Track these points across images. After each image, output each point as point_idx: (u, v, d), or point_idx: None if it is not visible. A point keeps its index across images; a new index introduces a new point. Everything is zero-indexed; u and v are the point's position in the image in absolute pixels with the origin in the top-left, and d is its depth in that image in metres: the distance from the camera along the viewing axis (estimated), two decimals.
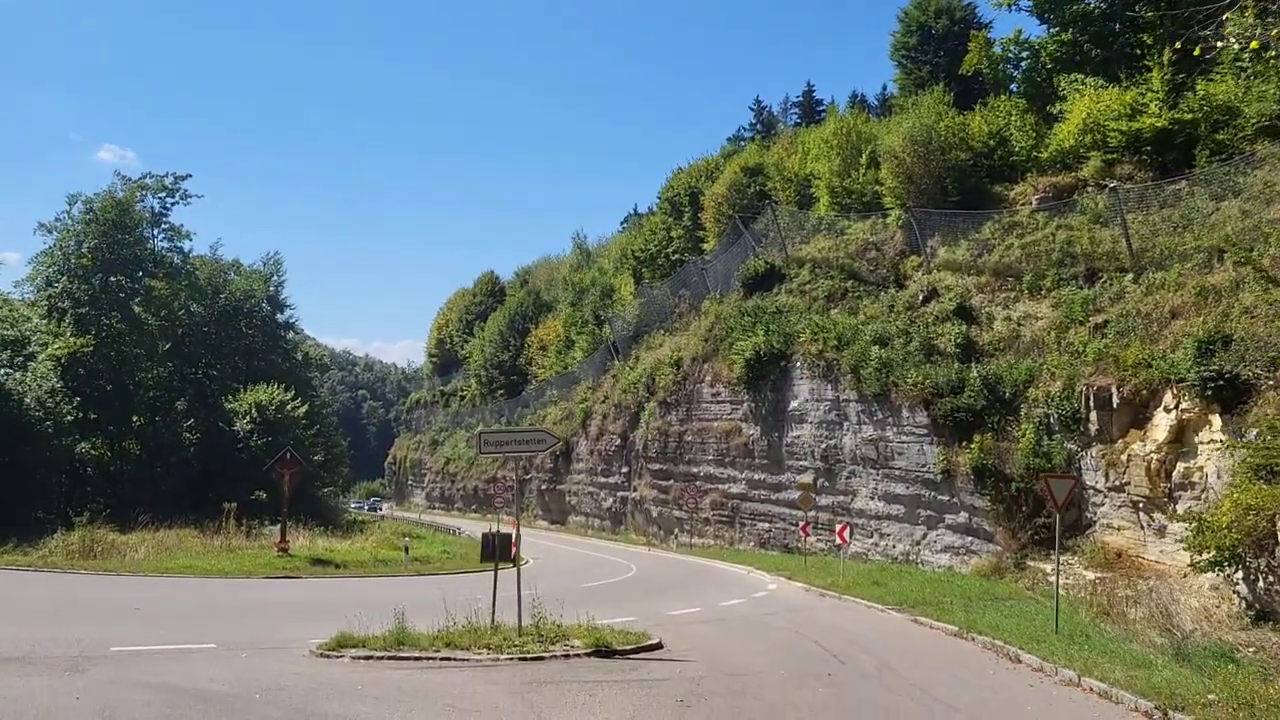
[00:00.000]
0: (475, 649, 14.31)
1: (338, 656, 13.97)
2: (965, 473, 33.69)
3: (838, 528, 32.31)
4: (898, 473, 37.42)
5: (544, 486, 73.92)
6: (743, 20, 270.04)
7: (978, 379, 33.99)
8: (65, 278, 50.35)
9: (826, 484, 40.77)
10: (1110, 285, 31.69)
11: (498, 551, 16.27)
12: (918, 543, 36.80)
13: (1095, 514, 27.81)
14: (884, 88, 69.62)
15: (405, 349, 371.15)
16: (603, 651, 14.60)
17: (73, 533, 32.82)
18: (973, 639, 18.56)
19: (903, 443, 37.20)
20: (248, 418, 51.69)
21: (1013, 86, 45.83)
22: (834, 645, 17.60)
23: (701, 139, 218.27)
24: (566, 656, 14.20)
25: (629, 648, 15.01)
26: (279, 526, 33.46)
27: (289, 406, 53.51)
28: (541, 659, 14.00)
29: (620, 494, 62.47)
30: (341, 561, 31.95)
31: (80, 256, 50.67)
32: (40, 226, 51.33)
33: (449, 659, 13.81)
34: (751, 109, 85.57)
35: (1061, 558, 22.88)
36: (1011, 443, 32.29)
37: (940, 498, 35.28)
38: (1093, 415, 27.97)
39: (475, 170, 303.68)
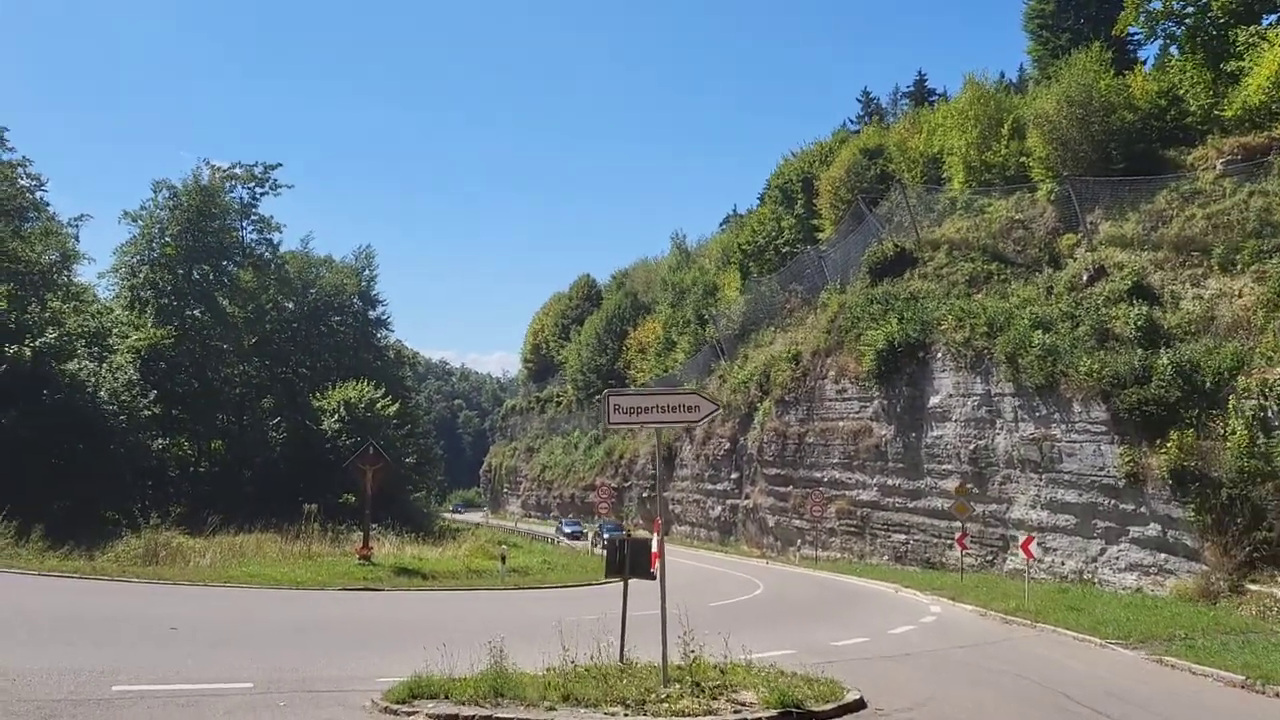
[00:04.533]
0: (606, 706, 9.83)
1: (409, 713, 9.67)
2: (1159, 477, 28.38)
3: (1020, 540, 27.06)
4: (1067, 477, 32.07)
5: (645, 494, 69.59)
6: (846, 9, 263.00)
7: (1169, 366, 28.73)
8: (148, 267, 48.04)
9: (976, 490, 35.54)
10: None
11: (629, 563, 11.86)
12: (1093, 559, 31.38)
13: None
14: (1020, 67, 63.88)
15: (500, 360, 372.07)
16: (793, 714, 9.96)
17: (138, 537, 29.70)
18: (1273, 694, 13.48)
19: (1073, 442, 31.85)
20: (336, 416, 48.68)
21: (1173, 48, 40.07)
22: (1088, 698, 12.77)
23: (804, 136, 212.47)
24: None
25: (827, 709, 10.35)
26: (363, 532, 29.80)
27: (379, 405, 50.34)
28: None
29: (730, 502, 57.73)
30: (430, 572, 28.06)
31: (165, 245, 48.34)
32: (125, 215, 49.19)
33: None
34: (859, 100, 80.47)
35: None
36: (1218, 441, 26.94)
37: (1123, 506, 29.89)
38: None
39: (568, 175, 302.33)
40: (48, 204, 43.08)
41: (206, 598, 20.30)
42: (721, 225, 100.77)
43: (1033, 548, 26.08)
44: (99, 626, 15.26)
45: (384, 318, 65.33)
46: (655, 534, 12.38)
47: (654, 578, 11.82)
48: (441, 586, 26.43)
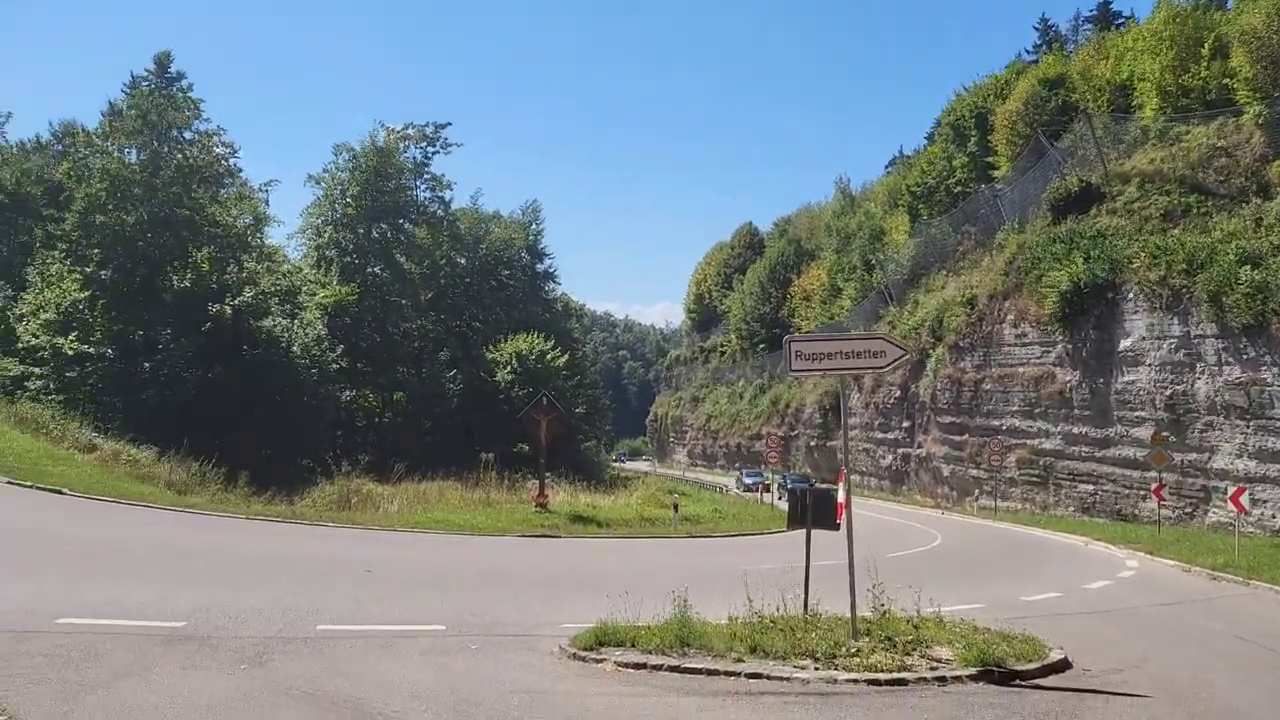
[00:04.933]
0: (795, 659, 9.67)
1: (597, 660, 9.77)
2: None
3: (1231, 493, 25.31)
4: (1279, 424, 29.79)
5: (813, 443, 68.85)
6: None
7: None
8: (331, 227, 50.47)
9: (1173, 439, 33.39)
10: None
11: (811, 513, 11.61)
12: None
13: None
14: None
15: (663, 311, 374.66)
16: (994, 673, 9.55)
17: (331, 484, 31.43)
18: None
19: None
20: (508, 368, 50.04)
21: None
22: None
23: (975, 71, 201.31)
24: (941, 680, 9.26)
25: (1030, 668, 9.86)
26: (538, 480, 30.55)
27: (549, 356, 51.41)
28: (902, 682, 9.16)
29: (901, 451, 56.42)
30: (604, 520, 28.53)
31: (346, 206, 50.56)
32: (309, 178, 51.75)
33: (758, 675, 9.23)
34: (1036, 28, 75.85)
35: None
36: None
37: None
38: None
39: (729, 122, 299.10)
40: (240, 170, 45.70)
41: (396, 542, 21.23)
42: (887, 168, 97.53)
43: (1244, 499, 24.33)
44: (301, 568, 16.14)
45: (551, 271, 66.63)
46: (841, 484, 12.06)
47: (837, 528, 11.54)
48: (615, 534, 26.83)
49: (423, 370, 52.27)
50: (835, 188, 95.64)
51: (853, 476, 60.95)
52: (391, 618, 12.00)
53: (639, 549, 24.15)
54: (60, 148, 58.37)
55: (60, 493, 23.47)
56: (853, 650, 9.91)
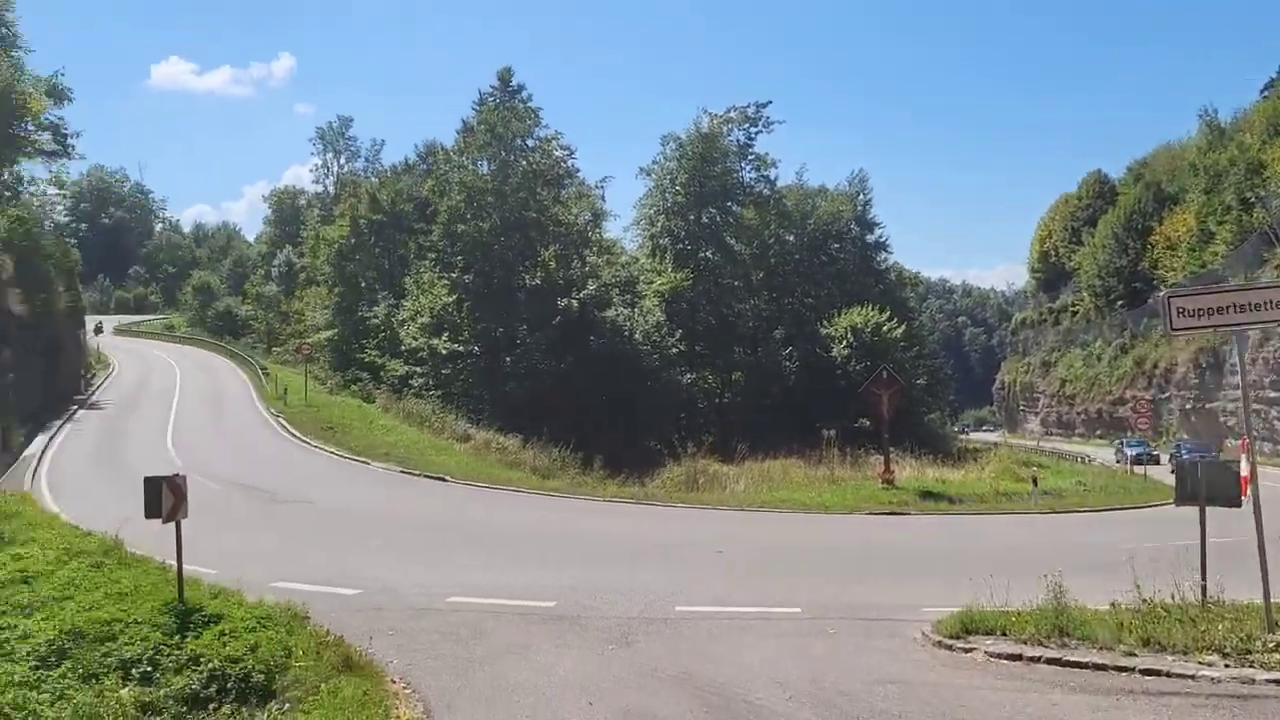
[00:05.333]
0: (1199, 654, 8.55)
1: (965, 649, 9.21)
2: None
3: None
4: None
5: (1187, 406, 62.19)
6: None
7: None
8: (663, 216, 52.14)
9: None
10: None
11: (1205, 487, 10.30)
12: None
13: None
14: None
15: (1003, 274, 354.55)
16: None
17: (679, 465, 32.48)
18: None
19: None
20: (844, 342, 49.33)
21: None
22: None
23: None
24: None
25: None
26: (882, 456, 29.80)
27: (885, 328, 50.06)
28: None
29: None
30: (955, 495, 27.27)
31: (675, 194, 52.02)
32: (640, 171, 53.79)
33: (1154, 671, 8.26)
34: None
35: None
36: None
37: None
38: None
39: (1064, 67, 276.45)
40: (578, 170, 48.49)
41: (744, 522, 21.49)
42: (1263, 92, 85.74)
43: None
44: (656, 549, 16.70)
45: (882, 240, 64.85)
46: (1243, 455, 10.60)
47: (1239, 505, 10.16)
48: (969, 510, 25.57)
49: (758, 349, 52.78)
50: (1200, 121, 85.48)
51: (1236, 440, 54.65)
52: (746, 599, 12.08)
53: (996, 526, 22.86)
54: (425, 167, 64.70)
55: (443, 480, 26.01)
56: (1271, 645, 8.65)
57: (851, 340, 49.34)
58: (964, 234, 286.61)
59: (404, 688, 8.23)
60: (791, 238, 59.50)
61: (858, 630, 10.36)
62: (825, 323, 52.12)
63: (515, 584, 12.81)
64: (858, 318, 50.43)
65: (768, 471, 31.51)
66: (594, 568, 14.38)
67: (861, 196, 63.27)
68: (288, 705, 7.93)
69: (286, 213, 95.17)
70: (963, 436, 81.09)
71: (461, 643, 9.81)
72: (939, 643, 9.48)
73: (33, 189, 48.35)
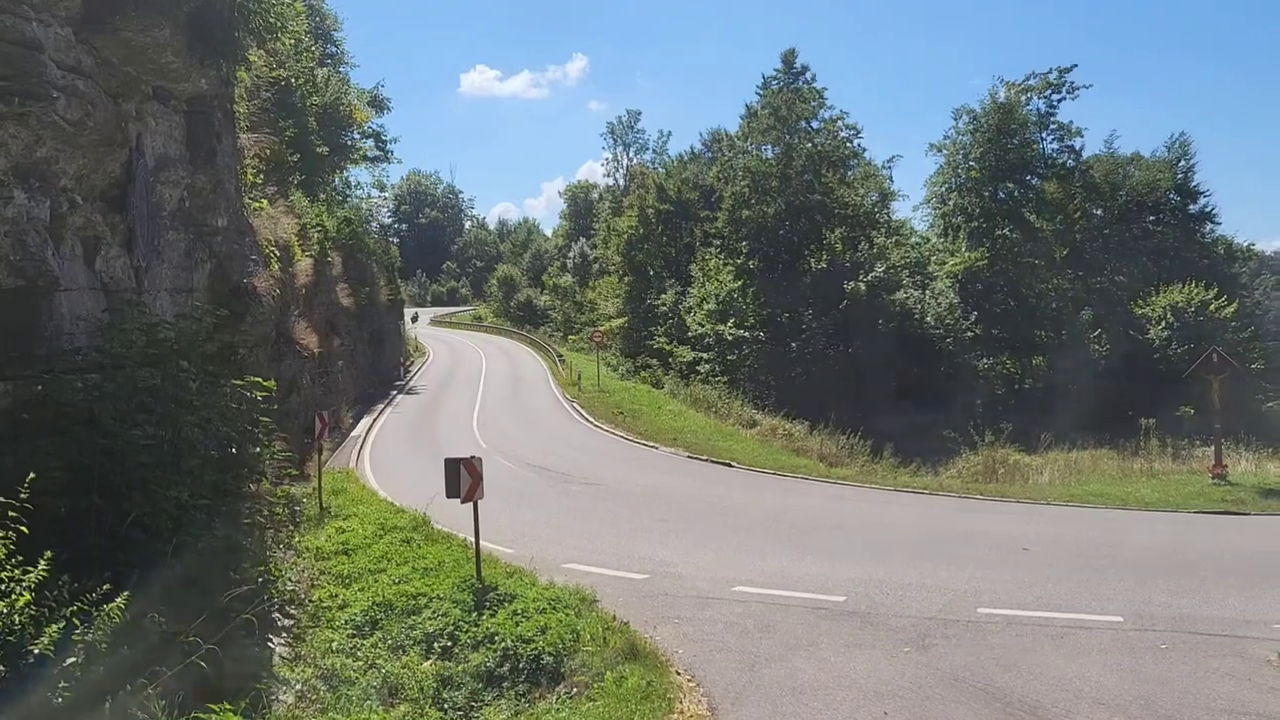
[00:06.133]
0: None
1: None
2: None
3: None
4: None
5: None
6: None
7: None
8: (956, 194, 49.62)
9: None
10: None
11: None
12: None
13: None
14: None
15: None
16: None
17: (975, 454, 30.76)
18: None
19: None
20: (1162, 323, 44.85)
21: None
22: None
23: None
24: None
25: None
26: (1212, 448, 26.66)
27: (1212, 307, 45.01)
28: None
29: None
30: None
31: (969, 170, 49.40)
32: (931, 147, 51.48)
33: None
34: None
35: None
36: None
37: None
38: None
39: None
40: (864, 150, 47.08)
41: (1051, 517, 19.80)
42: None
43: None
44: (952, 543, 15.66)
45: (1209, 210, 58.33)
46: None
47: None
48: None
49: (1063, 332, 49.09)
50: None
51: None
52: (1057, 603, 11.02)
53: None
54: (710, 154, 65.29)
55: (730, 465, 25.95)
56: None
57: (1172, 321, 44.77)
58: None
59: (689, 680, 8.03)
60: (1100, 211, 54.83)
61: (1195, 647, 9.10)
62: (1140, 302, 47.64)
63: (803, 575, 12.38)
64: (1178, 296, 45.68)
65: (1075, 462, 29.13)
66: (885, 561, 13.65)
67: (1183, 163, 57.20)
68: (575, 690, 7.95)
69: (580, 206, 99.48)
70: None
71: (748, 635, 9.52)
72: None
73: (359, 192, 53.44)
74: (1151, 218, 56.08)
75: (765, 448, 30.37)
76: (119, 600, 5.16)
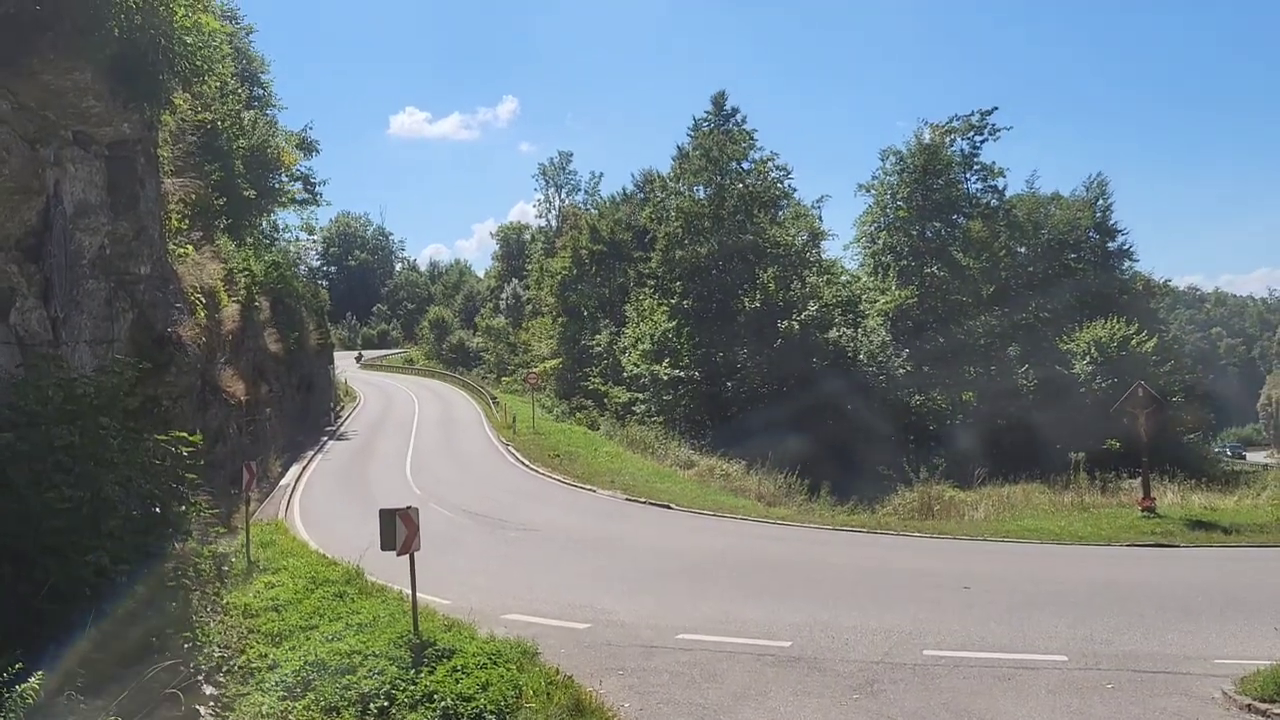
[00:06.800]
0: None
1: None
2: None
3: None
4: None
5: None
6: None
7: None
8: (885, 233, 50.58)
9: None
10: None
11: None
12: None
13: None
14: None
15: (1263, 278, 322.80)
16: None
17: (911, 490, 31.00)
18: None
19: None
20: (1086, 358, 46.01)
21: None
22: None
23: None
24: None
25: None
26: (1139, 480, 27.22)
27: (1133, 342, 46.33)
28: None
29: None
30: (1230, 525, 24.45)
31: (897, 209, 50.40)
32: (859, 188, 52.46)
33: None
34: None
35: None
36: None
37: None
38: None
39: None
40: (794, 190, 47.77)
41: (989, 553, 19.96)
42: None
43: None
44: (894, 583, 15.66)
45: (1126, 248, 60.30)
46: None
47: None
48: (1249, 541, 22.80)
49: (991, 368, 50.08)
50: None
51: None
52: (1002, 643, 11.03)
53: None
54: (642, 195, 65.67)
55: (668, 507, 25.76)
56: None
57: (1095, 356, 46.00)
58: (1217, 238, 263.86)
59: None
60: (1024, 249, 56.34)
61: (1140, 685, 9.14)
62: (1064, 338, 48.89)
63: (747, 620, 12.24)
64: (1101, 331, 46.98)
65: (1008, 497, 29.54)
66: (829, 603, 13.58)
67: (1101, 202, 59.13)
68: None
69: (513, 247, 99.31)
70: (1227, 457, 73.98)
71: (695, 686, 9.33)
72: (1248, 705, 8.16)
73: (287, 235, 52.64)
74: (1073, 255, 57.75)
75: (703, 488, 30.25)
76: (33, 680, 4.82)
